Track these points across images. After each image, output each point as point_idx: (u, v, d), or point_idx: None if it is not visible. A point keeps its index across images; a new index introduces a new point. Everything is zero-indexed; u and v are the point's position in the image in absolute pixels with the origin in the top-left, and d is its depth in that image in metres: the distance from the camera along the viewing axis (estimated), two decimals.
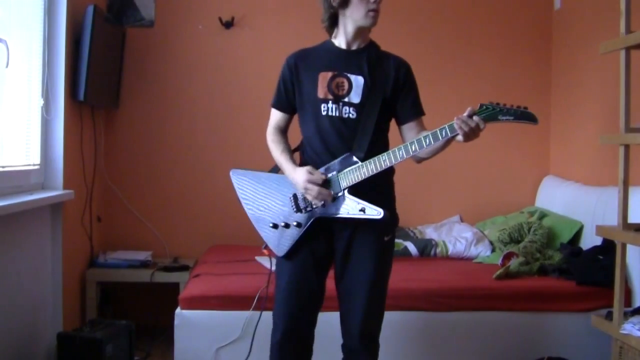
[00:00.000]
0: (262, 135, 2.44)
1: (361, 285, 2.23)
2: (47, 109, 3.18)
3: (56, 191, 3.19)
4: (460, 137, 2.02)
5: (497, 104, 2.00)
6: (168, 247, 4.10)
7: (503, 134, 4.27)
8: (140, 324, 3.39)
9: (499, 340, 2.97)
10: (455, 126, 2.00)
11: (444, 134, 2.03)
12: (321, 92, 2.22)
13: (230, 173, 2.40)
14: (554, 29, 4.27)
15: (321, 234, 2.26)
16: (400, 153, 2.09)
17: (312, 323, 2.33)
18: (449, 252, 3.69)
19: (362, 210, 2.13)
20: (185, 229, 4.16)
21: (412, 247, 3.71)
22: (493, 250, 3.67)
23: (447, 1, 4.28)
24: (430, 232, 3.94)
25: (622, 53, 2.56)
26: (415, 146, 2.07)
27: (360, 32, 2.25)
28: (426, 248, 3.71)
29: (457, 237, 3.77)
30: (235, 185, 2.39)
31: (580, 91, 3.88)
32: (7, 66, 2.83)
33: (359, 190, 2.16)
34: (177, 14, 4.14)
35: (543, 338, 2.95)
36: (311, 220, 2.22)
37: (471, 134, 2.00)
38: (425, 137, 2.05)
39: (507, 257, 3.33)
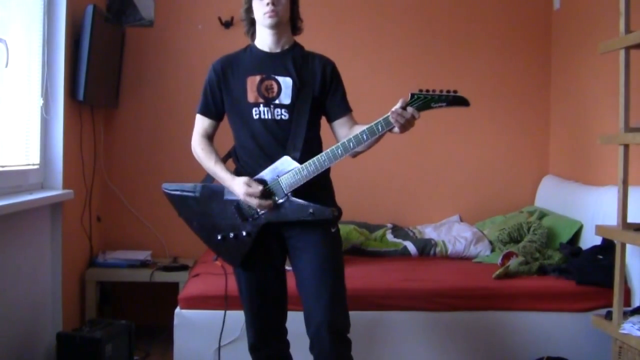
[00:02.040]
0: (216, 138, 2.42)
1: (321, 280, 2.21)
2: (46, 108, 3.18)
3: (55, 191, 3.19)
4: (396, 130, 2.06)
5: (427, 91, 2.02)
6: (167, 246, 4.09)
7: (503, 133, 4.28)
8: (140, 324, 3.39)
9: (498, 340, 2.97)
10: (391, 119, 2.04)
11: (379, 128, 2.07)
12: (251, 97, 2.23)
13: (162, 188, 2.37)
14: (553, 29, 4.27)
15: (271, 236, 2.27)
16: (339, 151, 2.11)
17: (282, 321, 2.36)
18: (449, 252, 3.69)
19: (312, 213, 2.16)
20: (185, 229, 4.08)
21: (411, 247, 3.71)
22: (492, 250, 3.67)
23: (446, 1, 4.28)
24: (429, 232, 3.94)
25: (622, 53, 2.56)
26: (353, 143, 2.10)
27: (277, 34, 2.27)
28: (425, 248, 3.71)
29: (457, 237, 3.77)
30: (172, 201, 2.37)
31: (580, 91, 3.88)
32: (6, 66, 2.83)
33: (302, 190, 2.17)
34: (176, 13, 4.14)
35: (543, 338, 2.95)
36: (259, 227, 2.23)
37: (407, 125, 2.05)
38: (362, 133, 2.08)
39: (507, 256, 3.33)
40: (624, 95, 2.56)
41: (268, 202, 2.18)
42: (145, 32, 4.12)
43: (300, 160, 2.16)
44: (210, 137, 2.37)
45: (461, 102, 2.03)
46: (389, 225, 4.07)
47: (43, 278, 3.13)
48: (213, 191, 2.30)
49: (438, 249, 3.70)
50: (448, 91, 2.02)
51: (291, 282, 2.36)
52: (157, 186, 4.12)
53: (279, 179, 2.18)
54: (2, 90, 2.88)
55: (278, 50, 2.29)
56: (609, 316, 2.67)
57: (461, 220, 4.21)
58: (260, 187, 2.17)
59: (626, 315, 2.61)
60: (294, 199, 2.17)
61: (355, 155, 2.24)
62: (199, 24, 4.15)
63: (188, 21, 4.15)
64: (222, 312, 2.85)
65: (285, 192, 2.17)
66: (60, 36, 3.24)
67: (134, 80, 4.12)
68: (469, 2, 4.28)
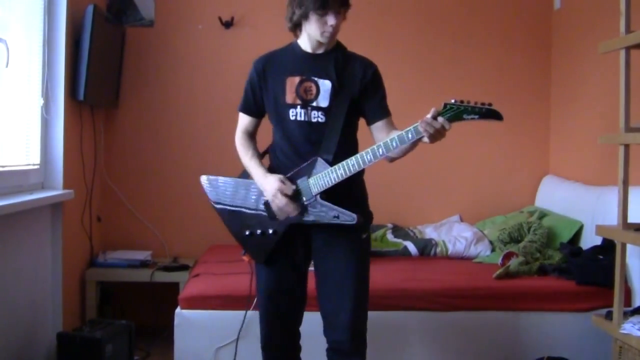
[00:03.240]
0: (261, 134, 2.43)
1: (347, 283, 2.22)
2: (47, 108, 3.18)
3: (56, 191, 3.19)
4: (426, 139, 2.01)
5: (462, 102, 1.97)
6: (168, 246, 4.10)
7: (503, 133, 4.28)
8: (140, 324, 3.39)
9: (498, 340, 2.97)
10: (420, 129, 1.99)
11: (409, 136, 2.02)
12: (289, 98, 2.22)
13: (201, 179, 2.39)
14: (553, 29, 4.27)
15: (298, 237, 2.26)
16: (369, 157, 2.09)
17: (296, 324, 2.35)
18: (449, 252, 3.69)
19: (336, 217, 2.14)
20: (185, 229, 4.16)
21: (412, 247, 3.71)
22: (493, 250, 3.67)
23: (446, 1, 4.28)
24: (430, 232, 3.94)
25: (622, 53, 2.56)
26: (382, 149, 2.07)
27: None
28: (426, 248, 3.71)
29: (457, 237, 3.77)
30: (208, 192, 2.39)
31: (580, 91, 3.88)
32: (7, 66, 2.83)
33: (331, 193, 2.16)
34: (176, 13, 4.14)
35: (543, 338, 2.95)
36: (286, 227, 2.23)
37: (437, 135, 1.99)
38: (392, 140, 2.05)
39: (507, 256, 3.33)
40: (624, 95, 2.56)
41: (293, 206, 2.18)
42: (146, 32, 4.12)
43: (333, 163, 2.14)
44: (251, 134, 2.38)
45: (495, 116, 1.97)
46: (389, 225, 4.06)
47: (43, 278, 3.13)
48: (246, 186, 2.31)
49: (438, 249, 3.70)
50: (483, 103, 1.97)
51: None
52: (158, 186, 4.17)
53: (308, 180, 2.17)
54: (3, 90, 2.88)
55: (321, 52, 2.25)
56: (609, 316, 2.66)
57: (461, 220, 4.21)
58: (293, 187, 2.17)
59: (626, 315, 2.61)
60: (321, 201, 2.16)
61: (391, 160, 2.21)
62: (199, 24, 4.15)
63: (188, 21, 4.15)
64: (222, 312, 2.88)
65: (313, 193, 2.17)
66: (60, 36, 3.24)
67: (134, 80, 4.12)
68: (469, 2, 4.28)
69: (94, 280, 3.66)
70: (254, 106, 2.33)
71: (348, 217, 2.13)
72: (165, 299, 3.63)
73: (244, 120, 2.37)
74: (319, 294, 2.30)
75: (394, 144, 2.05)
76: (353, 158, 2.11)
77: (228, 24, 4.13)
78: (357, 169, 2.11)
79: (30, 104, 3.14)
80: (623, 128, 2.56)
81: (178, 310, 2.90)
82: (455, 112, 1.97)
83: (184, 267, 3.78)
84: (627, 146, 2.58)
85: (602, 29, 3.50)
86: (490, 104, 1.97)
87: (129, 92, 4.11)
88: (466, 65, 4.25)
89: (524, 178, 4.31)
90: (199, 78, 4.17)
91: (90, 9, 3.38)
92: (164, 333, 3.55)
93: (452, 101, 1.97)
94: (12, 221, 2.75)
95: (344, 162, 2.12)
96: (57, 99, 3.24)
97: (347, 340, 2.22)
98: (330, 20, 2.14)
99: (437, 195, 4.30)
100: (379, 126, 2.27)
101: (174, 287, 3.63)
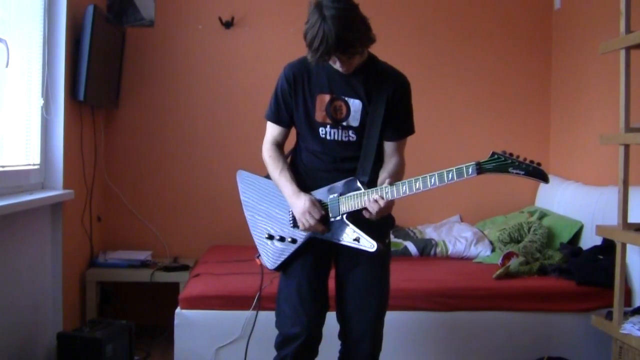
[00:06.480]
0: (262, 134, 2.39)
1: (370, 289, 2.22)
2: (47, 108, 3.18)
3: (56, 191, 3.19)
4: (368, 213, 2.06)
5: (510, 155, 1.93)
6: (168, 246, 4.10)
7: (503, 133, 4.28)
8: (140, 324, 3.39)
9: (498, 340, 2.97)
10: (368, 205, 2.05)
11: (432, 181, 2.00)
12: (319, 116, 2.18)
13: (237, 174, 2.39)
14: (554, 29, 4.27)
15: (319, 247, 2.22)
16: (404, 189, 2.03)
17: (322, 328, 2.32)
18: (449, 252, 3.69)
19: (357, 240, 2.11)
20: (185, 229, 4.16)
21: (412, 247, 3.71)
22: (493, 250, 3.67)
23: (446, 1, 4.28)
24: (430, 232, 3.94)
25: (622, 53, 2.56)
26: (420, 184, 2.00)
27: None
28: (426, 248, 3.71)
29: (457, 237, 3.77)
30: (240, 187, 2.38)
31: (580, 91, 3.88)
32: (7, 66, 2.83)
33: (358, 215, 2.12)
34: (177, 13, 4.14)
35: (543, 338, 2.95)
36: (306, 239, 2.20)
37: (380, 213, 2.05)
38: (431, 176, 2.00)
39: (507, 256, 3.33)
40: (624, 95, 2.56)
41: (322, 227, 2.14)
42: (146, 32, 4.12)
43: (368, 184, 2.11)
44: (280, 144, 2.30)
45: (540, 176, 1.93)
46: None
47: (43, 278, 3.13)
48: (278, 190, 2.27)
49: (439, 249, 3.70)
50: (531, 161, 1.93)
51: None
52: (158, 186, 4.18)
53: (339, 198, 2.14)
54: (3, 90, 2.88)
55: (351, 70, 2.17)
56: (609, 316, 2.67)
57: (462, 220, 4.21)
58: (322, 212, 2.13)
59: (627, 315, 2.61)
60: (346, 221, 2.13)
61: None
62: (199, 24, 4.15)
63: (188, 21, 4.15)
64: (222, 312, 2.87)
65: (341, 212, 2.13)
66: (60, 36, 3.23)
67: (134, 80, 4.12)
68: (469, 2, 4.28)
69: (94, 280, 3.66)
70: (285, 116, 2.23)
71: (368, 243, 2.08)
72: (165, 299, 3.63)
73: (273, 131, 2.27)
74: (338, 298, 2.28)
75: (434, 180, 2.00)
76: (388, 187, 2.05)
77: (228, 24, 4.13)
78: (390, 199, 2.05)
79: (31, 104, 3.14)
80: (623, 128, 2.56)
81: (178, 310, 2.90)
82: (502, 164, 1.93)
83: (184, 267, 3.78)
84: (627, 146, 2.58)
85: (602, 29, 3.50)
86: (539, 164, 1.93)
87: (129, 92, 4.11)
88: (466, 65, 4.25)
89: (524, 178, 4.30)
90: (199, 78, 4.17)
91: (90, 9, 3.38)
92: (164, 333, 3.55)
93: (501, 152, 1.93)
94: (12, 221, 2.74)
95: (378, 189, 2.06)
96: (57, 99, 3.24)
97: (365, 347, 2.22)
98: (337, 62, 2.08)
99: (437, 195, 4.26)
100: (388, 145, 2.23)
101: (174, 287, 3.63)
